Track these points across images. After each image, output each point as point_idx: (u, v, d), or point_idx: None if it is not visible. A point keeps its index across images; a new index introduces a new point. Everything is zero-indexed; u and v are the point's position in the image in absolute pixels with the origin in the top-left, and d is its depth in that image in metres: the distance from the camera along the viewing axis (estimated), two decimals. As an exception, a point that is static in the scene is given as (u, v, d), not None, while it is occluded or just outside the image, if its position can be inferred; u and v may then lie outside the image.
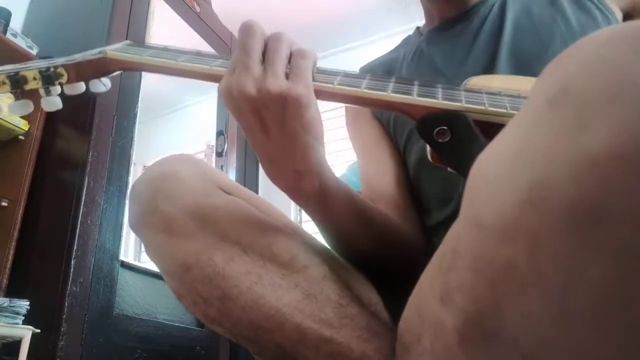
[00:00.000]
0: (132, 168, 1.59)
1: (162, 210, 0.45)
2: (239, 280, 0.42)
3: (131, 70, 0.52)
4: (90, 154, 1.41)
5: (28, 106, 0.55)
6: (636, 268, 0.20)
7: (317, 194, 0.45)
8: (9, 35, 1.54)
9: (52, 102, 0.54)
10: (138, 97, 1.65)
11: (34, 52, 1.59)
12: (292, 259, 0.44)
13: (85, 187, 1.37)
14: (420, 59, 0.69)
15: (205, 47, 2.14)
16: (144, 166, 2.73)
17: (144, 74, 1.70)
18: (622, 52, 0.21)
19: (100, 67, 0.51)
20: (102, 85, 0.54)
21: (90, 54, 0.52)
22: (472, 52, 0.62)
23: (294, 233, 0.48)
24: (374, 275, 0.50)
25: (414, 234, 0.61)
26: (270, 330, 0.41)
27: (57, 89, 0.54)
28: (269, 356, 0.44)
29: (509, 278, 0.23)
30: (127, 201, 1.51)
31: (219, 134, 2.24)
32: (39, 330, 1.15)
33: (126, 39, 1.71)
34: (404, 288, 0.37)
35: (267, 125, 0.39)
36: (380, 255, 0.53)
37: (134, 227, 0.49)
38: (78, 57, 0.52)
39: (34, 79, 0.52)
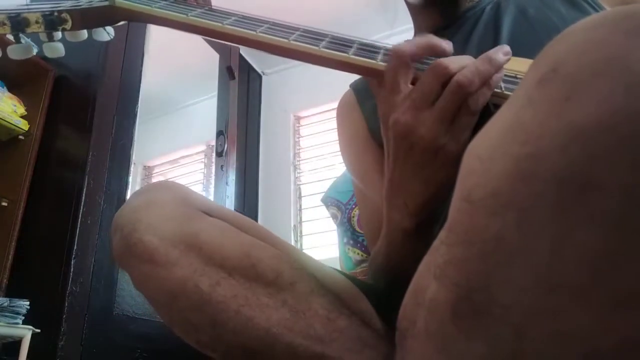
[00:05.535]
0: (132, 168, 1.59)
1: (145, 241, 0.45)
2: (226, 305, 0.42)
3: (137, 21, 0.49)
4: (90, 154, 1.41)
5: (29, 50, 0.52)
6: (622, 237, 0.20)
7: (407, 230, 0.46)
8: (9, 36, 1.53)
9: (54, 48, 0.51)
10: (138, 97, 1.64)
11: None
12: (278, 277, 0.44)
13: (85, 187, 1.37)
14: None
15: (205, 46, 2.14)
16: (144, 166, 2.73)
17: (144, 71, 1.70)
18: (610, 34, 0.22)
19: (107, 15, 0.49)
20: (106, 34, 0.52)
21: (98, 0, 0.49)
22: (466, 51, 0.62)
23: (280, 250, 0.48)
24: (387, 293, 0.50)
25: None
26: (262, 352, 0.41)
27: (59, 35, 0.50)
28: None
29: (498, 250, 0.23)
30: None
31: (219, 134, 2.23)
32: (39, 330, 1.15)
33: (126, 37, 1.71)
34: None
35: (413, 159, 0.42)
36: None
37: (118, 260, 0.48)
38: (84, 2, 0.49)
39: (37, 22, 0.49)
